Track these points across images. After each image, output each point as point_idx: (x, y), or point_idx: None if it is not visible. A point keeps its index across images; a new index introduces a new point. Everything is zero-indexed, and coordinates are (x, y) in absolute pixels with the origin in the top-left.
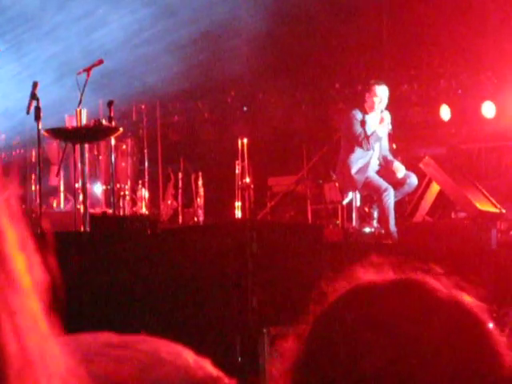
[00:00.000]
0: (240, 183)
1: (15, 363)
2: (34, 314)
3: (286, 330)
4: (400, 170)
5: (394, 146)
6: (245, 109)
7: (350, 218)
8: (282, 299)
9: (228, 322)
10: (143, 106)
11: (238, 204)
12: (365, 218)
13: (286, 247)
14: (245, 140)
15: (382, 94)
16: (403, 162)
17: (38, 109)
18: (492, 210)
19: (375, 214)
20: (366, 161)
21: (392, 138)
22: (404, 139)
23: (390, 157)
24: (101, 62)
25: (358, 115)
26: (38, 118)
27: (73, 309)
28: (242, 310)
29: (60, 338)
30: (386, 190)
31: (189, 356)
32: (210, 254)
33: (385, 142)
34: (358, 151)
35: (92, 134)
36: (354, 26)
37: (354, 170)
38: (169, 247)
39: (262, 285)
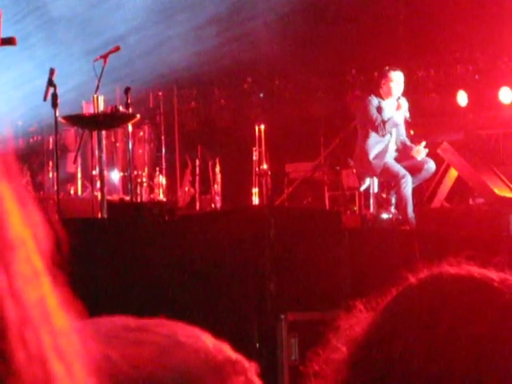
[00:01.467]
0: (257, 169)
1: (13, 322)
2: (34, 269)
3: (303, 315)
4: (421, 152)
5: (412, 132)
6: (261, 95)
7: (367, 205)
8: (300, 285)
9: (245, 307)
10: (160, 93)
11: (255, 190)
12: (382, 204)
13: (304, 233)
14: (262, 126)
15: (397, 79)
16: None
17: (55, 95)
18: (510, 195)
19: (393, 200)
20: (383, 146)
21: (409, 124)
22: (421, 125)
23: (408, 142)
24: (117, 48)
25: (374, 101)
26: (55, 104)
27: (89, 295)
28: (260, 295)
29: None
30: (403, 176)
31: (208, 339)
32: (227, 240)
33: (402, 129)
34: (375, 137)
35: (109, 120)
36: (370, 11)
37: (371, 156)
38: (186, 234)
39: (279, 271)
